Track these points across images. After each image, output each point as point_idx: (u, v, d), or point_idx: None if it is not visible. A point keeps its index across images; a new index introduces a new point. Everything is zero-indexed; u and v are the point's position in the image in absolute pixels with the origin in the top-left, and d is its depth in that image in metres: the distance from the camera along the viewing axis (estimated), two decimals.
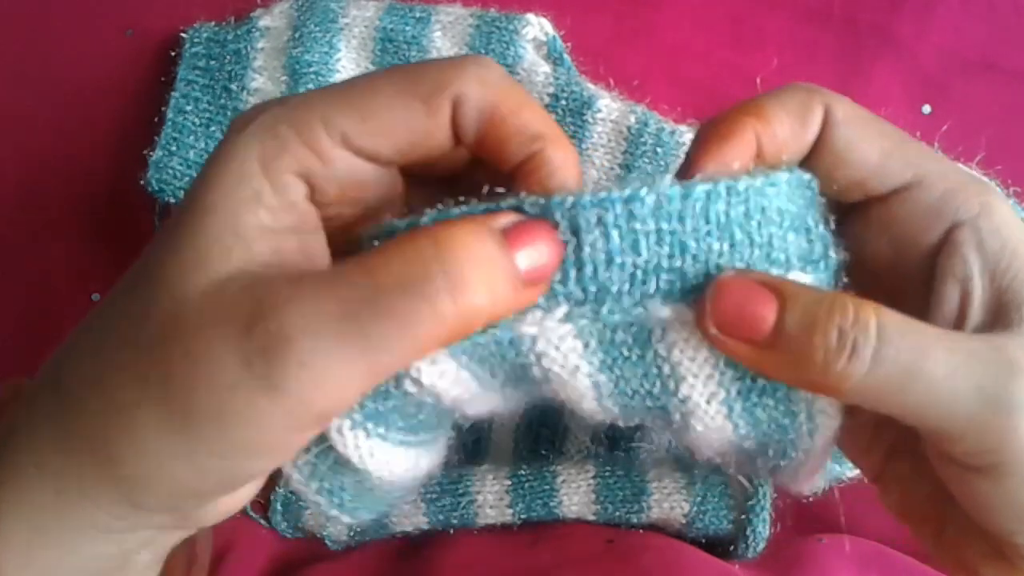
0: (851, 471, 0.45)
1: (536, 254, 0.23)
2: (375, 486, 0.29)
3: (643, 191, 0.24)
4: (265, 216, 0.23)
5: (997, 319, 0.26)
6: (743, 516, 0.44)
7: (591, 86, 0.48)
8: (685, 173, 0.26)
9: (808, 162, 0.28)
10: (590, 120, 0.47)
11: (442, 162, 0.27)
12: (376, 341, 0.21)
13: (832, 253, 0.26)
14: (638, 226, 0.24)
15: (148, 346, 0.23)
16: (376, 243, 0.24)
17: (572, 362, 0.26)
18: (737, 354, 0.24)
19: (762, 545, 0.44)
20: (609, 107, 0.47)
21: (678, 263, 0.24)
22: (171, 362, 0.22)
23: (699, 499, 0.44)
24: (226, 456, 0.22)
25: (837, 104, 0.27)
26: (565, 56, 0.49)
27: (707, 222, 0.24)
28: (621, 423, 0.28)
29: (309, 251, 0.24)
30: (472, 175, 0.27)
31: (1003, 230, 0.26)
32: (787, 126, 0.27)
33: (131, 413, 0.22)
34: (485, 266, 0.22)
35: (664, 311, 0.25)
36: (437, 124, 0.24)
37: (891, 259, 0.28)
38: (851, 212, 0.29)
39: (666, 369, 0.26)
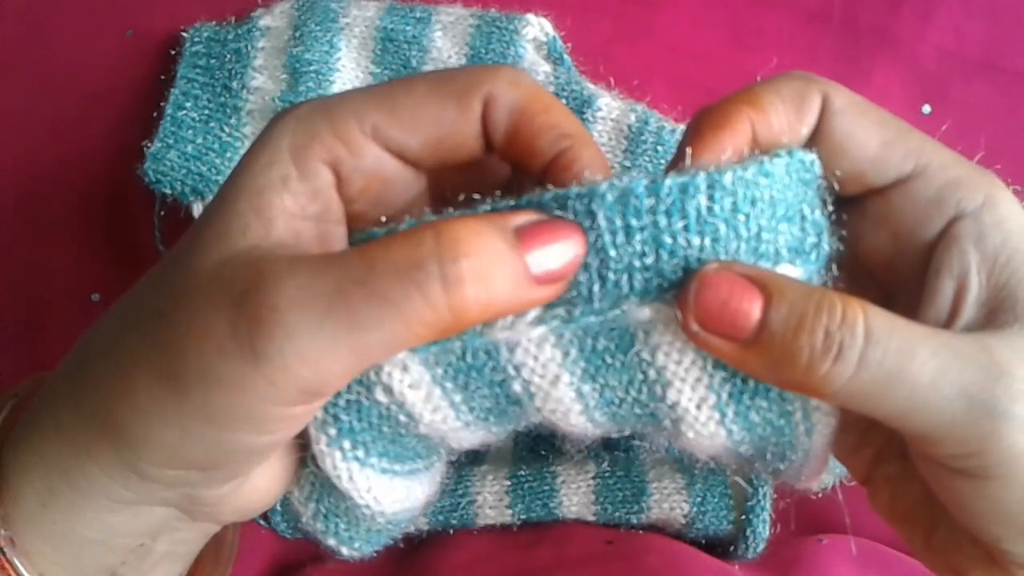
0: None
1: (551, 252, 0.23)
2: (365, 516, 0.29)
3: (603, 187, 0.23)
4: (289, 200, 0.24)
5: (991, 318, 0.25)
6: (743, 516, 0.44)
7: (591, 85, 0.48)
8: (676, 164, 0.25)
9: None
10: (590, 119, 0.47)
11: (471, 174, 0.27)
12: (363, 321, 0.21)
13: (825, 242, 0.25)
14: (602, 223, 0.23)
15: (155, 314, 0.23)
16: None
17: (552, 372, 0.25)
18: (720, 352, 0.24)
19: (762, 545, 0.44)
20: (609, 106, 0.47)
21: (652, 260, 0.23)
22: (168, 328, 0.23)
23: (699, 499, 0.44)
24: (212, 423, 0.23)
25: (835, 93, 0.27)
26: (565, 56, 0.49)
27: (684, 217, 0.23)
28: (615, 434, 0.28)
29: (328, 240, 0.25)
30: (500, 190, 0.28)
31: (1006, 224, 0.25)
32: (783, 115, 0.26)
33: (130, 376, 0.23)
34: (485, 260, 0.22)
35: (644, 312, 0.24)
36: (467, 120, 0.25)
37: (890, 254, 0.27)
38: (849, 206, 0.28)
39: (652, 374, 0.25)
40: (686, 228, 0.23)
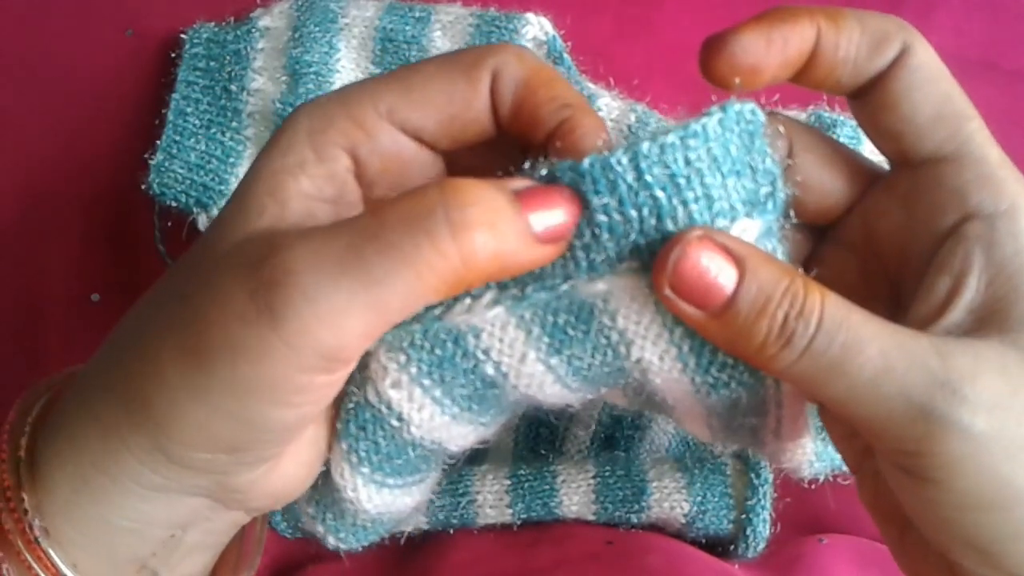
0: None
1: (549, 214, 0.23)
2: (349, 511, 0.29)
3: (541, 169, 0.24)
4: (306, 182, 0.25)
5: (978, 326, 0.24)
6: (743, 516, 0.44)
7: (591, 85, 0.48)
8: (717, 39, 0.26)
9: (861, 95, 0.27)
10: None
11: (486, 157, 0.27)
12: (378, 274, 0.22)
13: (780, 189, 0.25)
14: None
15: (178, 294, 0.24)
16: None
17: (519, 351, 0.26)
18: (685, 317, 0.24)
19: (762, 545, 0.44)
20: (609, 106, 0.47)
21: (588, 239, 0.24)
22: (191, 305, 0.23)
23: (699, 499, 0.44)
24: (238, 395, 0.23)
25: (919, 47, 0.26)
26: (565, 55, 0.48)
27: (612, 193, 0.23)
28: (591, 396, 0.28)
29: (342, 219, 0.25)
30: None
31: (1022, 236, 0.25)
32: (855, 45, 0.26)
33: (157, 354, 0.23)
34: (489, 210, 0.22)
35: (597, 286, 0.24)
36: (477, 94, 0.25)
37: (904, 239, 0.27)
38: (881, 181, 0.28)
39: (614, 337, 0.25)
40: (620, 204, 0.23)
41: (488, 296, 0.25)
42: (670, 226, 0.23)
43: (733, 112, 0.24)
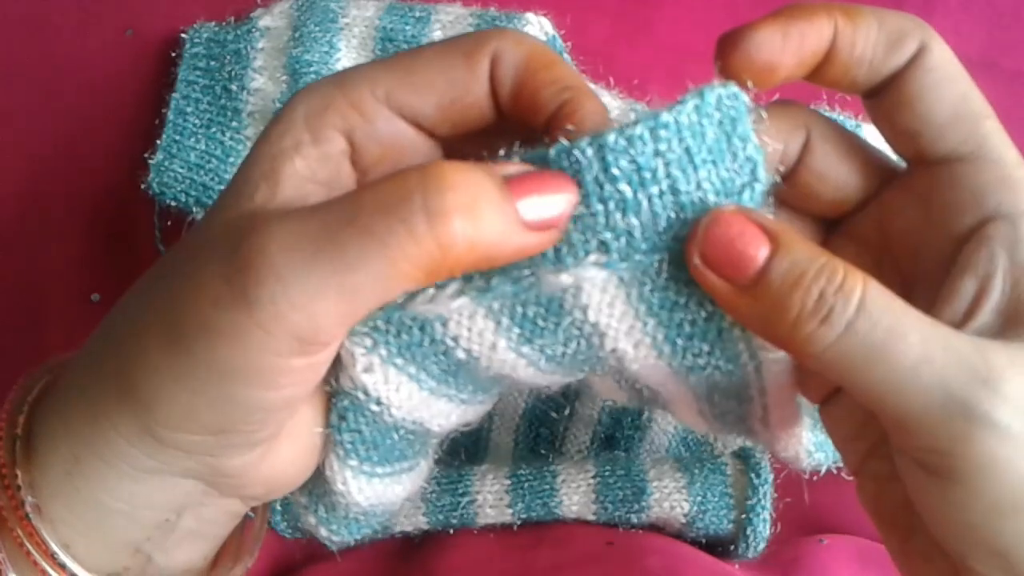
0: None
1: (541, 200, 0.22)
2: (340, 503, 0.29)
3: (514, 156, 0.23)
4: (300, 164, 0.24)
5: (1006, 327, 0.24)
6: (743, 516, 0.44)
7: (591, 85, 0.48)
8: (733, 36, 0.25)
9: (877, 94, 0.26)
10: None
11: (485, 144, 0.26)
12: (351, 259, 0.21)
13: (761, 178, 0.24)
14: None
15: (166, 275, 0.24)
16: None
17: (488, 340, 0.25)
18: (715, 291, 0.23)
19: (762, 545, 0.44)
20: (609, 105, 0.47)
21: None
22: (172, 288, 0.23)
23: (699, 499, 0.44)
24: (218, 378, 0.23)
25: (936, 47, 0.25)
26: (565, 55, 0.48)
27: (579, 186, 0.23)
28: (570, 379, 0.28)
29: None
30: None
31: None
32: (872, 43, 0.25)
33: (143, 337, 0.24)
34: (470, 195, 0.21)
35: (563, 279, 0.24)
36: (476, 78, 0.25)
37: (919, 240, 0.27)
38: (898, 178, 0.27)
39: (587, 329, 0.25)
40: (586, 197, 0.23)
41: (453, 286, 0.24)
42: (634, 220, 0.23)
43: (711, 98, 0.23)
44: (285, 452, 0.26)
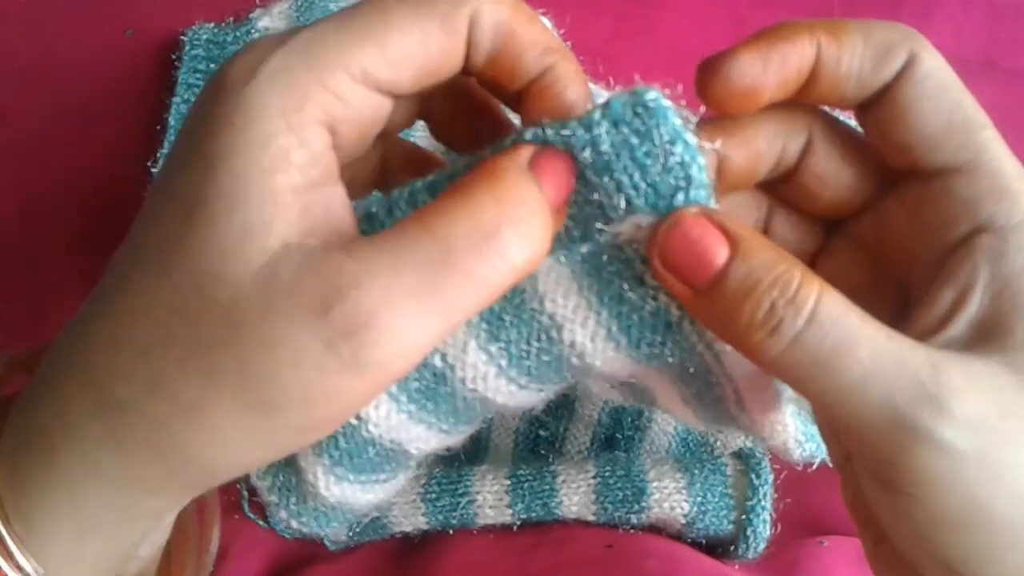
0: None
1: (560, 183, 0.23)
2: (311, 494, 0.30)
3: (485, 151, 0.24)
4: (296, 175, 0.22)
5: (978, 340, 0.24)
6: (743, 516, 0.44)
7: (591, 85, 0.48)
8: (712, 62, 0.25)
9: (868, 108, 0.26)
10: None
11: (447, 93, 0.27)
12: (455, 304, 0.21)
13: (696, 184, 0.23)
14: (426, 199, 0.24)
15: (211, 341, 0.21)
16: (421, 197, 0.25)
17: (460, 339, 0.26)
18: (675, 292, 0.24)
19: (762, 546, 0.44)
20: None
21: None
22: (245, 353, 0.21)
23: (699, 499, 0.44)
24: (306, 432, 0.23)
25: (925, 56, 0.25)
26: None
27: None
28: (540, 394, 0.28)
29: (331, 204, 0.23)
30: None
31: None
32: (859, 59, 0.25)
33: (201, 410, 0.22)
34: (539, 213, 0.22)
35: None
36: (455, 44, 0.24)
37: (915, 248, 0.26)
38: (896, 186, 0.27)
39: (545, 320, 0.25)
40: None
41: None
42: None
43: (619, 105, 0.23)
44: None
